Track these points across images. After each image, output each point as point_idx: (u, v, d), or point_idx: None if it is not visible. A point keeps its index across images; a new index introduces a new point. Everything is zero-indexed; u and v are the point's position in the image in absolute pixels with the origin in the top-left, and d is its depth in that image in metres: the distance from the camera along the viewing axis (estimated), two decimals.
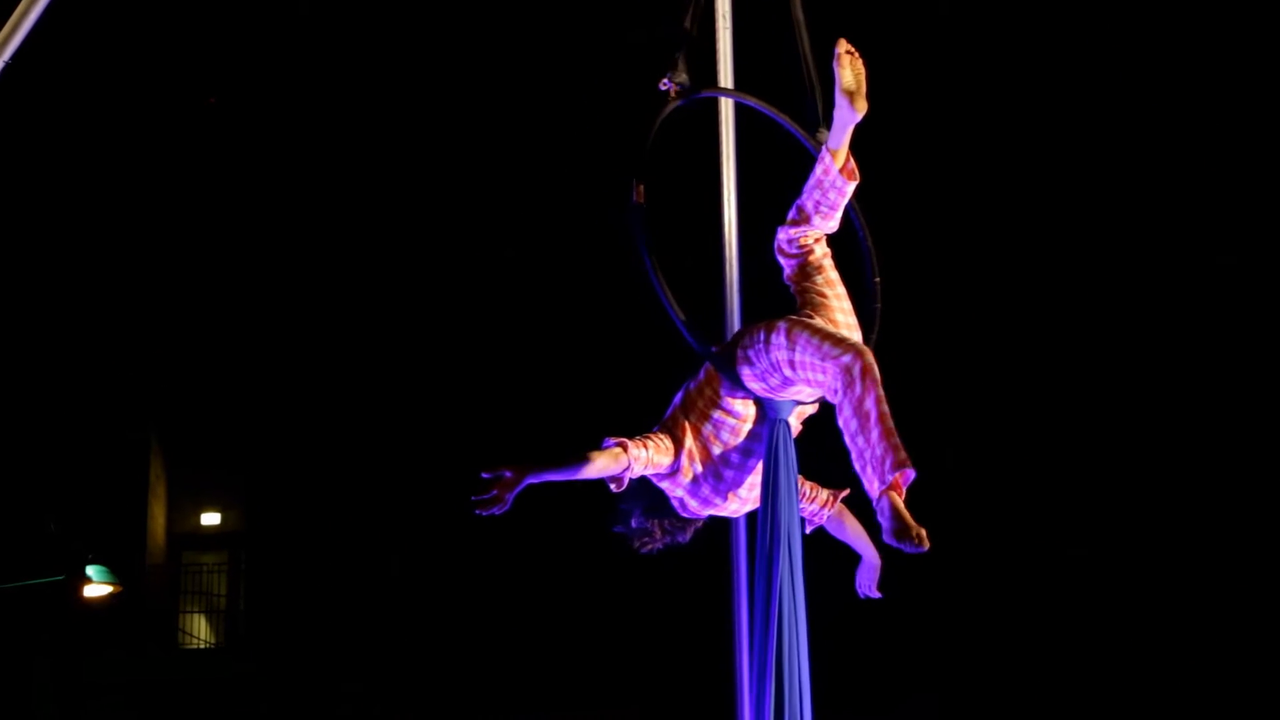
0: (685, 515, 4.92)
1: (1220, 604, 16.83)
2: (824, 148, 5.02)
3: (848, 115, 4.91)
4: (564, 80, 15.57)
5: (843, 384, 4.50)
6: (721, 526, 5.23)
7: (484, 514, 4.49)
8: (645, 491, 4.89)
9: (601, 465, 4.65)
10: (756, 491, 4.86)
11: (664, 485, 4.86)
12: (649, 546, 4.97)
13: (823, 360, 4.59)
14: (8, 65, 5.13)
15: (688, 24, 5.19)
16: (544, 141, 16.84)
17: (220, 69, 16.86)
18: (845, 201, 5.06)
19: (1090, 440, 17.30)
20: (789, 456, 4.77)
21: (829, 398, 4.64)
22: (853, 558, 5.30)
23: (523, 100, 16.52)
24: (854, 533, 5.16)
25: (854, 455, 4.55)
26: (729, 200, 5.40)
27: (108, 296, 19.01)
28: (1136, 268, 17.01)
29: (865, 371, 4.49)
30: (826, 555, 5.26)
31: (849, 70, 4.90)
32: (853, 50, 4.93)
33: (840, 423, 4.56)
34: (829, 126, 5.07)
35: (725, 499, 4.89)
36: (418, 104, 17.08)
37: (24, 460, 18.49)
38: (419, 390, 19.20)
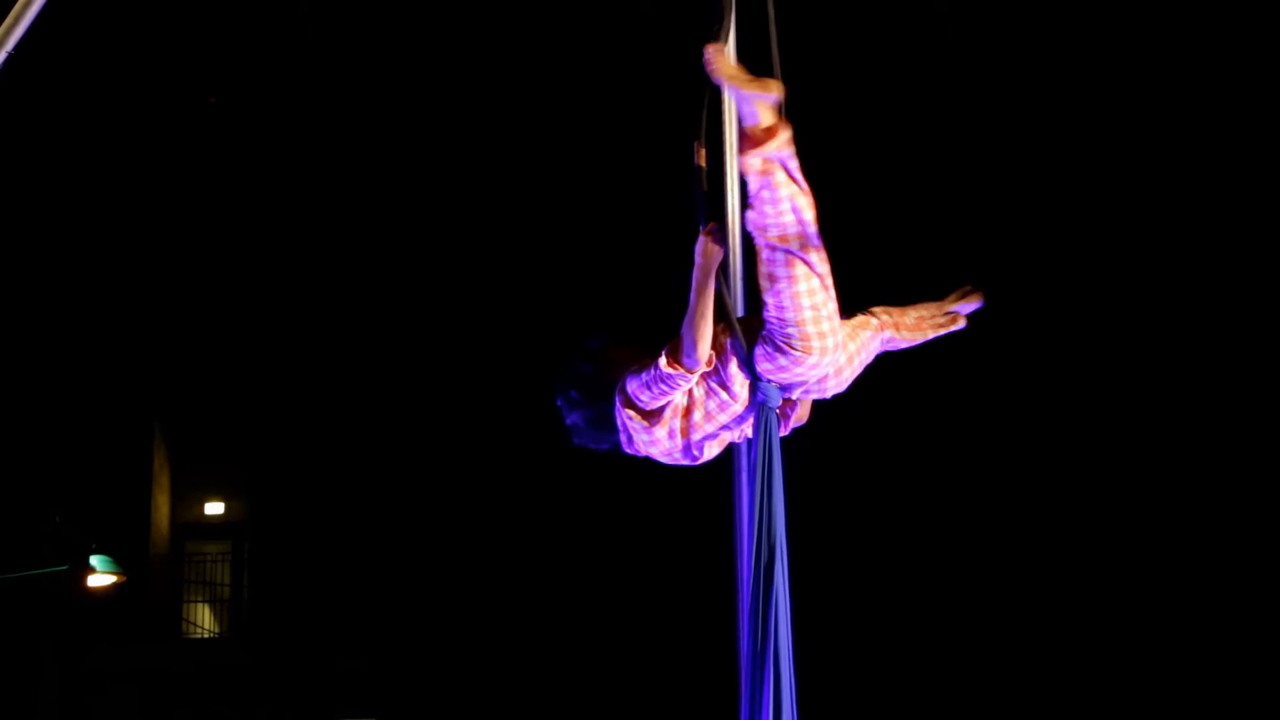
0: (627, 450, 4.79)
1: (1219, 604, 16.87)
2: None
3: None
4: (579, 49, 15.52)
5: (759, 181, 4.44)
6: (726, 526, 5.14)
7: (716, 241, 4.58)
8: (600, 412, 4.78)
9: (708, 332, 4.54)
10: (712, 452, 4.76)
11: (633, 424, 4.69)
12: (577, 440, 4.91)
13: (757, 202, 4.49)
14: (10, 56, 5.11)
15: None
16: (542, 127, 16.82)
17: (224, 62, 16.86)
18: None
19: (1090, 440, 17.31)
20: (777, 446, 4.59)
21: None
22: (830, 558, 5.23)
23: (538, 73, 16.47)
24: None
25: (754, 203, 4.48)
26: (732, 183, 5.35)
27: (112, 287, 19.03)
28: (1136, 266, 17.01)
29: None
30: (811, 563, 5.19)
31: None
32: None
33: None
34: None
35: (685, 456, 4.77)
36: (418, 88, 17.05)
37: (28, 450, 18.52)
38: (419, 381, 19.20)
